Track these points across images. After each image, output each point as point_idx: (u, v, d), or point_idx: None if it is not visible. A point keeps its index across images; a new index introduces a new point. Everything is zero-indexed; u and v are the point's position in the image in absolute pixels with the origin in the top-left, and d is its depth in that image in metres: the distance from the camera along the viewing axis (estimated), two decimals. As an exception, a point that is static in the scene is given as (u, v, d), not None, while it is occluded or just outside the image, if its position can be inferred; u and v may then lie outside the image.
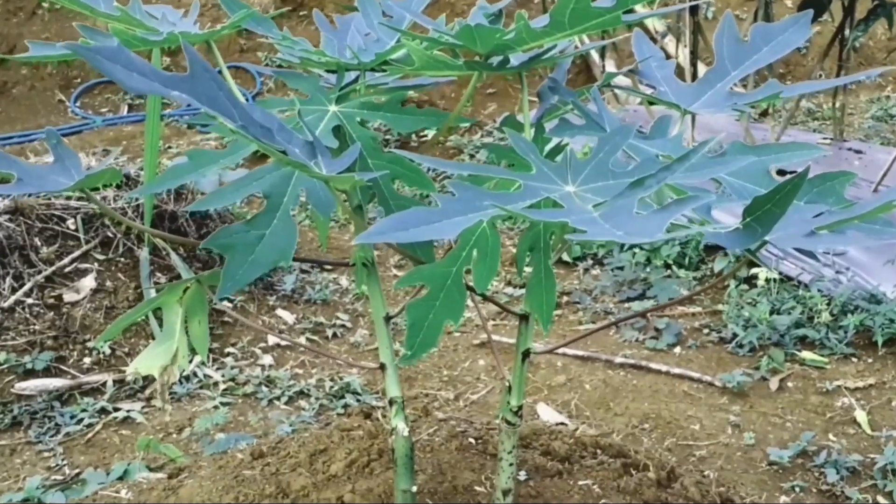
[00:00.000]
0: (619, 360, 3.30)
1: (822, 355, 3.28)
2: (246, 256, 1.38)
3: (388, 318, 1.65)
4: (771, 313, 3.47)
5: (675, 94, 1.68)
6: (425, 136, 5.46)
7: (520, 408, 1.65)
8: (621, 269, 4.10)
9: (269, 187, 1.44)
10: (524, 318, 1.59)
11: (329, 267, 4.29)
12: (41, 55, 1.44)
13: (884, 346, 3.25)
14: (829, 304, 3.45)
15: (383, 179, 1.50)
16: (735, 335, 3.41)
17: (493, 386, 3.24)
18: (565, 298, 3.94)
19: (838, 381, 3.11)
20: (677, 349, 3.41)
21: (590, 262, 4.27)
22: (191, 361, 3.42)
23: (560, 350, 3.38)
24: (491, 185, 1.42)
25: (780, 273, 3.76)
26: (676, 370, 3.19)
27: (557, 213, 1.04)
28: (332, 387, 3.27)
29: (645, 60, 1.71)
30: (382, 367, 1.67)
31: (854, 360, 3.26)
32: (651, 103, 4.97)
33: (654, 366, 3.24)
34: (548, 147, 1.50)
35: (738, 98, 1.64)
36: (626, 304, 3.78)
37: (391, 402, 1.67)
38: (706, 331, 3.54)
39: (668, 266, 4.06)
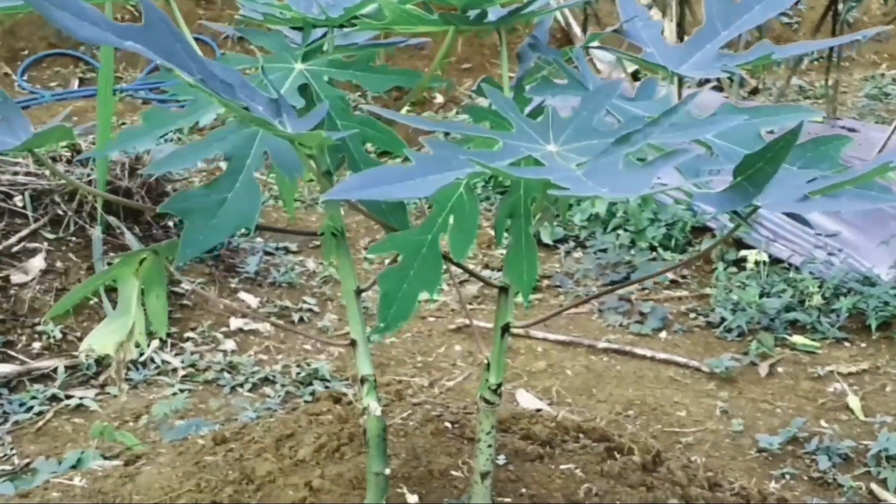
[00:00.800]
0: (602, 344, 3.31)
1: (814, 340, 3.30)
2: (206, 221, 1.37)
3: (358, 292, 1.65)
4: (760, 297, 3.50)
5: (662, 55, 1.68)
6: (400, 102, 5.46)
7: (499, 385, 1.65)
8: (604, 251, 4.11)
9: (232, 148, 1.43)
10: (503, 290, 1.59)
11: (295, 248, 4.28)
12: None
13: (877, 329, 3.28)
14: (820, 287, 3.48)
15: (353, 141, 1.49)
16: (723, 319, 3.43)
17: (469, 372, 3.24)
18: (546, 282, 3.95)
19: (830, 366, 3.13)
20: (663, 334, 3.42)
21: (571, 244, 4.28)
22: (148, 344, 3.40)
23: (540, 335, 3.39)
24: (470, 147, 1.42)
25: (770, 255, 3.78)
26: (662, 355, 3.21)
27: (539, 171, 1.04)
28: (298, 373, 3.26)
29: (630, 20, 1.70)
30: (353, 343, 1.66)
31: (847, 344, 3.29)
32: (636, 75, 4.99)
33: (638, 351, 3.25)
34: (528, 109, 1.50)
35: (729, 59, 1.64)
36: (610, 288, 3.79)
37: (363, 381, 1.67)
38: (693, 315, 3.56)
39: (653, 248, 4.07)
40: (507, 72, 1.47)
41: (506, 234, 1.48)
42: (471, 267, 4.16)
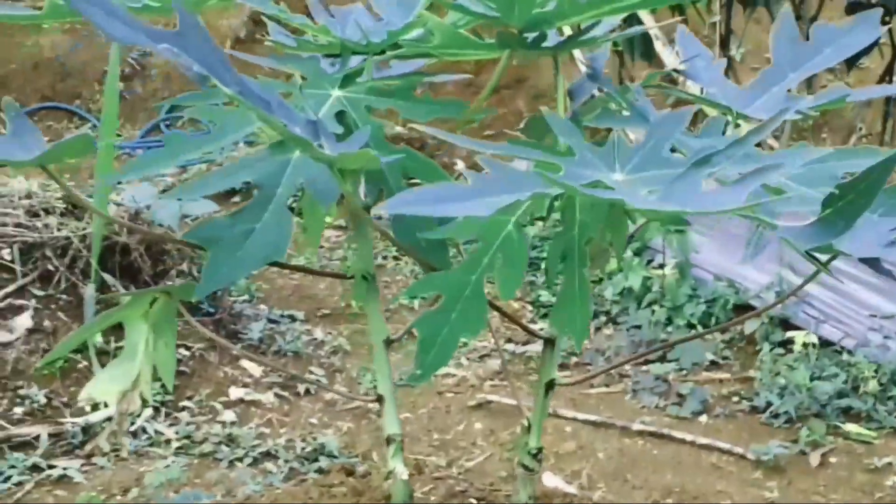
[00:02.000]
0: (636, 426, 3.26)
1: (870, 429, 3.25)
2: (232, 252, 1.35)
3: (388, 342, 1.62)
4: (810, 381, 3.45)
5: (725, 96, 1.68)
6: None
7: (540, 450, 1.61)
8: (638, 328, 4.08)
9: (262, 176, 1.42)
10: (549, 342, 1.56)
11: (302, 317, 4.26)
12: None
13: (941, 419, 3.23)
14: (876, 372, 3.43)
15: (392, 173, 1.48)
16: (769, 403, 3.38)
17: (491, 452, 3.19)
18: (574, 359, 3.91)
19: (888, 457, 3.08)
20: (703, 417, 3.37)
21: (602, 319, 4.25)
22: (139, 413, 3.36)
23: (570, 414, 3.35)
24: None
25: (820, 337, 3.74)
26: (703, 440, 3.16)
27: (613, 193, 1.02)
28: (303, 448, 3.22)
29: (691, 59, 1.71)
30: (380, 399, 1.63)
31: (908, 435, 3.24)
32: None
33: (676, 434, 3.20)
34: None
35: (799, 101, 1.64)
36: (645, 368, 3.75)
37: (389, 441, 1.63)
38: (736, 398, 3.51)
39: (691, 326, 4.04)
40: (562, 102, 1.47)
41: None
42: (487, 340, 4.15)
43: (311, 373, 3.77)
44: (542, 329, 1.60)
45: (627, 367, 3.75)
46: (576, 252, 1.40)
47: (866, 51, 3.75)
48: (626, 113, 1.44)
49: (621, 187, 1.11)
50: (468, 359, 3.94)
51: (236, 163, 1.44)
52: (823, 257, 1.32)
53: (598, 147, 1.22)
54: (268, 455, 3.19)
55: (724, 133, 1.55)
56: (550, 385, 1.60)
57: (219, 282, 1.33)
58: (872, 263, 1.35)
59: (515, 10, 1.28)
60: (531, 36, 1.36)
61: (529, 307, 4.34)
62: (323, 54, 1.65)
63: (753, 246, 4.00)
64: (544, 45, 1.39)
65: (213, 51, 1.22)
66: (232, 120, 1.46)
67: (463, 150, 5.80)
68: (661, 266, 4.42)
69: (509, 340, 4.10)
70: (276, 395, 3.61)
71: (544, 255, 4.13)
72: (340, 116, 1.50)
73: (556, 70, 1.47)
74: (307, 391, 3.65)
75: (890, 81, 4.72)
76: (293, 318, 4.22)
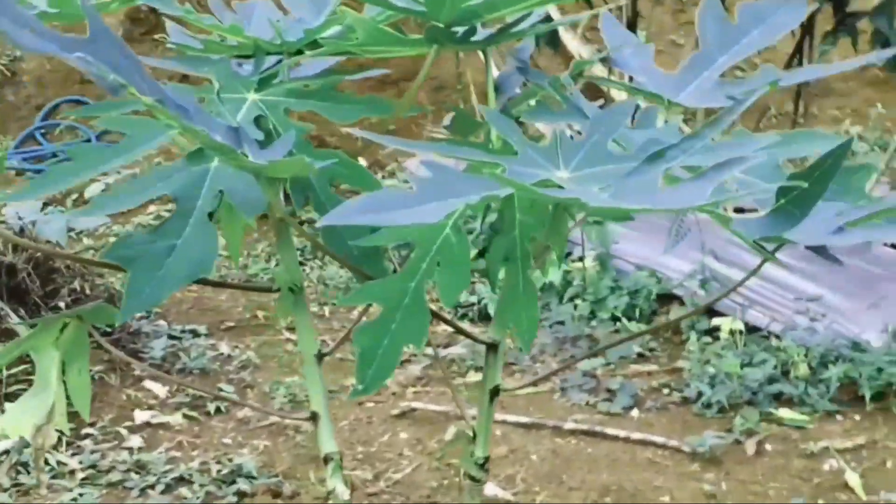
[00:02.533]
0: (568, 426, 3.29)
1: (803, 413, 3.33)
2: (153, 271, 1.33)
3: (320, 357, 1.60)
4: (740, 368, 3.52)
5: (655, 84, 1.69)
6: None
7: (486, 459, 1.61)
8: (562, 323, 4.12)
9: (179, 188, 1.39)
10: (492, 347, 1.56)
11: (204, 331, 4.20)
12: None
13: (872, 400, 3.33)
14: (806, 356, 3.52)
15: (319, 179, 1.47)
16: (701, 394, 3.44)
17: (419, 462, 3.19)
18: (496, 359, 3.93)
19: (823, 441, 3.16)
20: (635, 412, 3.42)
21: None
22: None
23: (498, 417, 3.35)
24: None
25: (746, 323, 3.83)
26: (637, 435, 3.20)
27: (568, 191, 1.02)
28: (219, 470, 3.18)
29: (618, 48, 1.72)
30: (314, 416, 1.62)
31: (839, 417, 3.32)
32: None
33: (610, 431, 3.24)
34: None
35: (732, 87, 1.66)
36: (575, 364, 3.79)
37: (326, 460, 1.62)
38: (666, 390, 3.57)
39: (615, 319, 4.09)
40: (493, 97, 1.47)
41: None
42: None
43: (220, 390, 3.73)
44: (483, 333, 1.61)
45: (554, 364, 3.78)
46: (518, 253, 1.40)
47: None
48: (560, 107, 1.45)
49: (570, 185, 1.12)
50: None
51: (150, 175, 1.41)
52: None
53: (539, 144, 1.23)
54: (181, 480, 3.15)
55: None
56: (496, 391, 1.61)
57: (142, 303, 1.30)
58: (819, 251, 1.38)
59: (446, 4, 1.28)
60: (460, 30, 1.36)
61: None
62: (232, 56, 1.63)
63: (675, 235, 4.08)
64: (473, 39, 1.39)
65: (127, 57, 1.20)
66: (143, 130, 1.43)
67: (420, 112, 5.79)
68: (581, 259, 4.47)
69: (428, 344, 4.10)
70: (185, 415, 3.57)
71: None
72: (259, 122, 1.48)
73: (487, 64, 1.48)
74: (217, 410, 3.61)
75: (800, 62, 4.84)
76: (196, 333, 4.17)
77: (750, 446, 3.15)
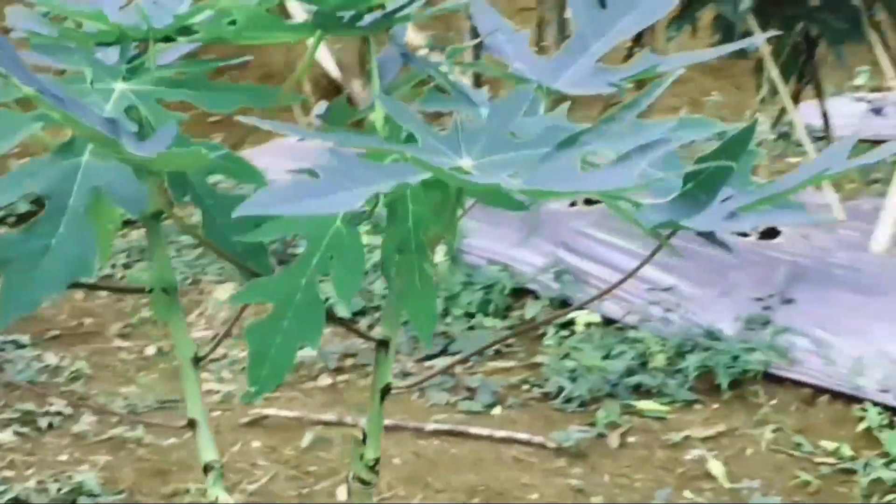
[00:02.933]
0: (430, 427, 3.32)
1: (662, 404, 3.45)
2: (28, 273, 1.29)
3: (196, 361, 1.58)
4: (599, 361, 3.62)
5: (532, 70, 1.72)
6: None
7: (377, 461, 1.62)
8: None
9: (49, 185, 1.35)
10: (383, 344, 1.57)
11: (27, 342, 4.08)
12: None
13: (729, 388, 3.46)
14: (663, 347, 3.65)
15: (196, 173, 1.45)
16: (561, 388, 3.52)
17: (275, 472, 3.17)
18: (350, 361, 3.95)
19: (684, 431, 3.28)
20: (497, 410, 3.48)
21: (375, 315, 4.29)
22: None
23: (352, 422, 3.38)
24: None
25: (602, 316, 3.94)
26: (500, 433, 3.26)
27: (482, 177, 1.04)
28: (59, 489, 3.11)
29: (491, 33, 1.75)
30: (192, 423, 1.59)
31: (698, 406, 3.45)
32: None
33: (473, 430, 3.29)
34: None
35: (610, 74, 1.71)
36: (427, 363, 3.83)
37: (206, 469, 1.60)
38: (526, 387, 3.64)
39: (470, 315, 4.14)
40: (377, 84, 1.48)
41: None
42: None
43: (50, 404, 3.63)
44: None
45: (410, 364, 3.82)
46: (412, 245, 1.41)
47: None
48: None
49: (476, 173, 1.14)
50: (231, 371, 3.90)
51: (15, 172, 1.37)
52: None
53: (438, 131, 1.24)
54: (18, 503, 3.06)
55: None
56: (386, 390, 1.61)
57: (20, 308, 1.26)
58: (708, 237, 1.44)
59: (334, -13, 1.28)
60: (347, 15, 1.36)
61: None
62: (93, 44, 1.59)
63: (528, 227, 4.17)
64: (360, 24, 1.40)
65: (4, 46, 1.16)
66: (2, 124, 1.39)
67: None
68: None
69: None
70: (16, 432, 3.47)
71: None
72: (129, 113, 1.45)
73: (369, 51, 1.48)
74: (50, 425, 3.52)
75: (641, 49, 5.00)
76: (18, 344, 4.04)
77: (613, 439, 3.24)
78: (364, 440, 1.62)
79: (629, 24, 1.78)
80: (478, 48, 1.79)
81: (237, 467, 3.23)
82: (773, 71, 4.26)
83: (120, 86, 1.49)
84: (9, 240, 1.31)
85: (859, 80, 6.61)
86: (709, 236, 1.44)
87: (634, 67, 1.73)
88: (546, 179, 1.01)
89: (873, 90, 6.32)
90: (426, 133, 1.23)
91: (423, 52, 6.26)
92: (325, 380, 3.79)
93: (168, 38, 1.55)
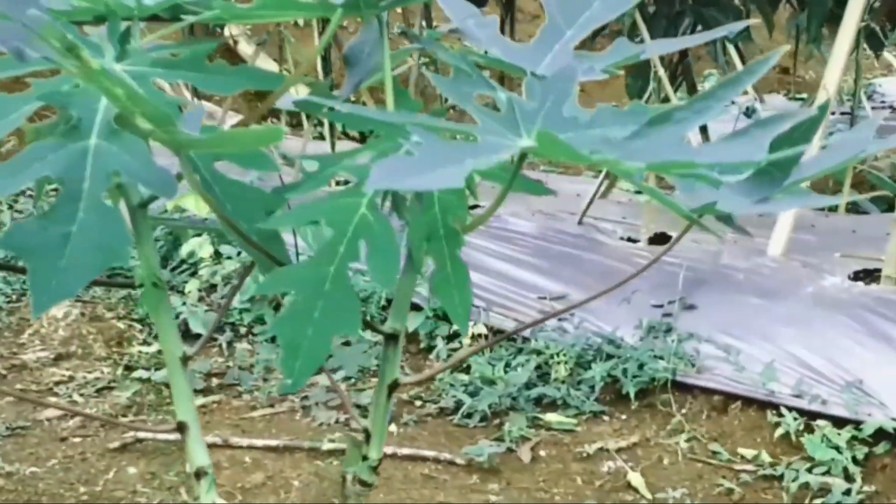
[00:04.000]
0: (327, 446, 3.39)
1: (568, 416, 3.61)
2: (53, 262, 1.33)
3: (185, 360, 1.64)
4: (494, 374, 3.76)
5: (510, 56, 1.85)
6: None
7: (380, 461, 1.70)
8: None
9: (60, 169, 1.40)
10: (392, 338, 1.65)
11: None
12: None
13: (636, 398, 3.65)
14: (562, 357, 3.81)
15: (203, 158, 1.52)
16: (460, 403, 3.65)
17: (159, 498, 3.19)
18: (216, 381, 3.98)
19: (597, 442, 3.45)
20: (392, 427, 3.57)
21: (229, 333, 4.34)
22: None
23: (244, 442, 3.42)
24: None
25: (491, 327, 4.08)
26: (404, 451, 3.35)
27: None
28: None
29: (463, 19, 1.87)
30: (181, 427, 1.65)
31: (606, 417, 3.63)
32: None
33: (374, 449, 3.37)
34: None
35: (591, 60, 1.85)
36: (311, 380, 3.89)
37: (198, 475, 1.65)
38: (419, 402, 3.75)
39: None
40: (388, 67, 1.57)
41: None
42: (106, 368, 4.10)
43: None
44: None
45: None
46: (441, 231, 1.51)
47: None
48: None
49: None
50: (83, 395, 3.88)
51: (23, 155, 1.41)
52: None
53: (494, 111, 1.35)
54: None
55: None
56: (394, 386, 1.70)
57: (51, 298, 1.29)
58: (727, 220, 1.59)
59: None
60: (363, -6, 1.46)
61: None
62: (68, 21, 1.63)
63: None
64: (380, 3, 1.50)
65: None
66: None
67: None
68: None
69: (129, 368, 4.07)
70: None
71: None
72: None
73: (382, 31, 1.57)
74: None
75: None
76: None
77: (525, 453, 3.38)
78: (367, 440, 1.70)
79: (599, 13, 1.92)
80: (451, 34, 1.91)
81: (116, 496, 3.22)
82: (660, 70, 4.50)
83: (112, 67, 1.54)
84: (27, 228, 1.34)
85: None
86: (728, 221, 1.59)
87: (614, 54, 1.87)
88: (648, 154, 1.13)
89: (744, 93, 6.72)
90: (485, 115, 1.34)
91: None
92: (202, 398, 3.83)
93: (155, 17, 1.62)
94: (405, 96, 1.62)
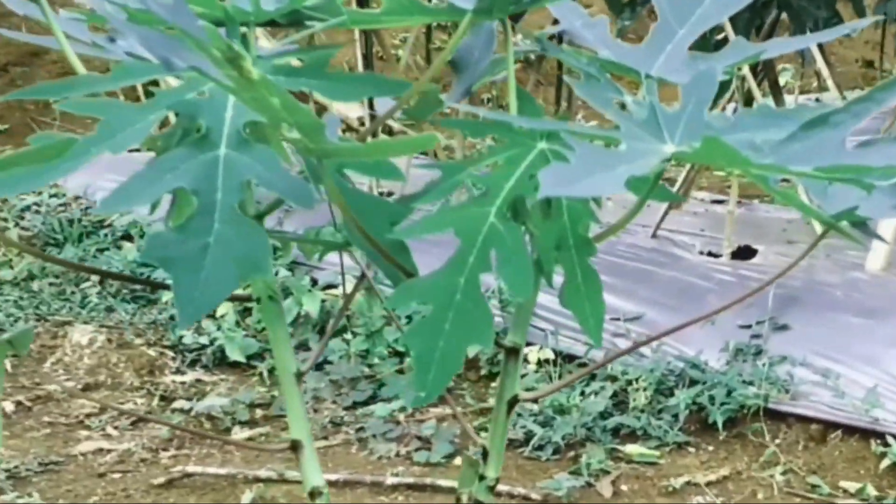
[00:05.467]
0: (389, 480, 3.57)
1: (650, 447, 3.78)
2: (194, 273, 1.51)
3: (299, 376, 1.82)
4: (567, 402, 3.93)
5: (620, 57, 2.03)
6: None
7: (497, 480, 1.88)
8: (330, 363, 4.40)
9: (192, 180, 1.58)
10: (512, 352, 1.83)
11: None
12: None
13: (725, 427, 3.82)
14: (640, 383, 3.98)
15: (331, 171, 1.70)
16: (530, 434, 3.82)
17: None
18: (260, 412, 4.16)
19: (683, 476, 3.61)
20: (458, 460, 3.74)
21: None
22: None
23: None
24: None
25: (560, 352, 4.25)
26: (475, 485, 3.52)
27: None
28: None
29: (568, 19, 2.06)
30: (295, 445, 1.82)
31: (692, 449, 3.80)
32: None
33: (441, 482, 3.54)
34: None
35: (709, 61, 2.03)
36: (360, 410, 4.08)
37: (313, 494, 1.82)
38: (483, 434, 3.91)
39: (398, 355, 4.42)
40: (512, 70, 1.76)
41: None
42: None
43: None
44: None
45: (342, 412, 4.06)
46: (570, 240, 1.69)
47: None
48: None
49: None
50: (116, 427, 4.06)
51: (155, 166, 1.59)
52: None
53: (631, 116, 1.53)
54: None
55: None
56: (514, 401, 1.87)
57: (197, 309, 1.46)
58: (862, 227, 1.77)
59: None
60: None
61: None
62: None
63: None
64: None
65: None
66: (121, 114, 1.62)
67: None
68: (334, 285, 4.79)
69: (165, 399, 4.25)
70: None
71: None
72: (251, 105, 1.69)
73: (507, 35, 1.75)
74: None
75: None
76: None
77: (605, 488, 3.55)
78: (484, 458, 1.88)
79: (711, 11, 2.11)
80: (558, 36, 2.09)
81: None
82: (744, 67, 4.67)
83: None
84: (167, 238, 1.53)
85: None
86: (863, 227, 1.77)
87: (733, 54, 2.05)
88: (810, 159, 1.31)
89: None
90: (626, 119, 1.53)
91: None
92: (239, 433, 4.01)
93: (273, 23, 1.81)
94: (529, 100, 1.80)
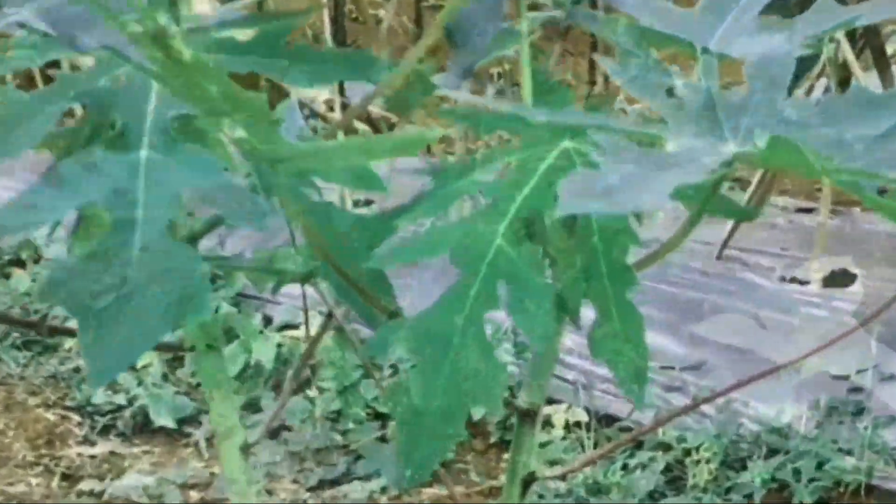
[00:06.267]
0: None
1: (722, 535, 3.81)
2: (107, 316, 1.53)
3: (247, 447, 1.84)
4: (605, 479, 3.95)
5: (668, 26, 2.06)
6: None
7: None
8: (287, 429, 4.42)
9: (105, 192, 1.60)
10: (527, 415, 1.85)
11: None
12: None
13: (817, 507, 3.84)
14: (702, 453, 4.00)
15: (289, 178, 1.72)
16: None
17: None
18: (195, 494, 4.19)
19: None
20: (465, 557, 3.78)
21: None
22: None
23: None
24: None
25: (595, 412, 4.27)
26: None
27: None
28: None
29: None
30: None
31: (773, 537, 3.82)
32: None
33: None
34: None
35: (779, 31, 2.06)
36: (328, 492, 4.10)
37: None
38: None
39: (380, 417, 4.43)
40: (527, 48, 1.79)
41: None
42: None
43: None
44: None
45: (304, 494, 4.08)
46: (602, 267, 1.71)
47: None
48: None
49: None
50: None
51: (57, 172, 1.61)
52: None
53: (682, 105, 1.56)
54: None
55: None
56: (531, 480, 1.88)
57: (112, 364, 1.46)
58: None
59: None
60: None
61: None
62: None
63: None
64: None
65: None
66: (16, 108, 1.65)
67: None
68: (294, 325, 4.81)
69: (68, 478, 4.28)
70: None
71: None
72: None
73: (520, 11, 1.79)
74: None
75: None
76: None
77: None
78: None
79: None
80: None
81: None
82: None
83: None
84: (71, 269, 1.53)
85: None
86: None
87: (818, 21, 2.08)
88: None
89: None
90: (675, 109, 1.56)
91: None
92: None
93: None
94: (550, 82, 1.83)
